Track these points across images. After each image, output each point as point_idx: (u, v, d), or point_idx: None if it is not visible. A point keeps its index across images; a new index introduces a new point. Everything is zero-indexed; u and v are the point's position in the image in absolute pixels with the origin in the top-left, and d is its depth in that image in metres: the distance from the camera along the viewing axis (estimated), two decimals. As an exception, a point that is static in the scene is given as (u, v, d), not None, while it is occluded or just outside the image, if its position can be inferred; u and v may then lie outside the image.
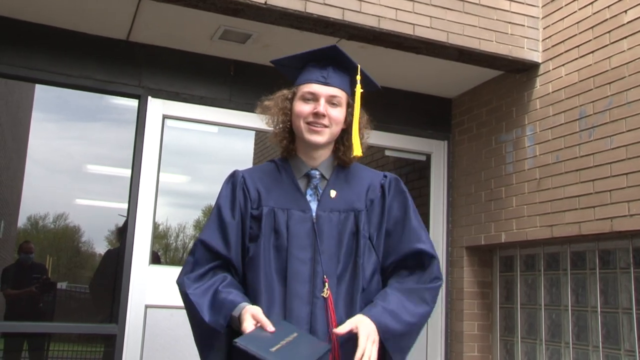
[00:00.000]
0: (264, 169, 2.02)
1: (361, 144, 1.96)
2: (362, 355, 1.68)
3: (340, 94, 1.95)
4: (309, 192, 1.95)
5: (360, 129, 1.96)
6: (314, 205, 1.92)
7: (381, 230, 1.96)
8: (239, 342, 1.60)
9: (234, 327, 1.78)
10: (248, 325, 1.69)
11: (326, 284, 1.82)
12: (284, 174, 1.97)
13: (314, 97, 1.93)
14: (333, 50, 1.96)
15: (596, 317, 3.62)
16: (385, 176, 2.03)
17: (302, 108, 1.93)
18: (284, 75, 2.06)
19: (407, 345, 1.89)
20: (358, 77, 1.97)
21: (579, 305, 3.77)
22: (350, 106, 1.98)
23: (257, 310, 1.73)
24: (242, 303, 1.77)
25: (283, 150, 2.01)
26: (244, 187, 1.94)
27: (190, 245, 4.31)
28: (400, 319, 1.82)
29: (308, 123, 1.91)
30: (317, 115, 1.90)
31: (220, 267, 1.90)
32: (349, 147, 1.97)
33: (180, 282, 1.89)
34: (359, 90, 1.96)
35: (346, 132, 1.98)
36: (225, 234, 1.90)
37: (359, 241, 1.90)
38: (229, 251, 1.89)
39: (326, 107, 1.91)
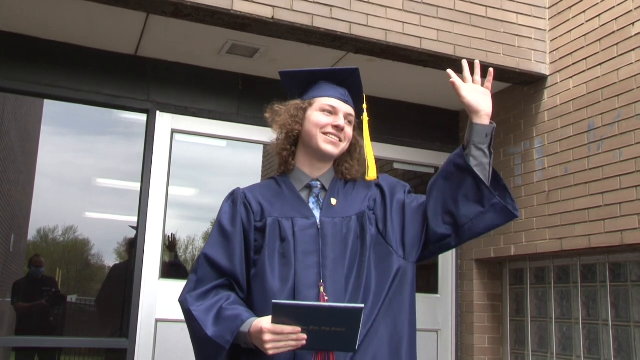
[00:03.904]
0: (263, 185, 2.07)
1: (360, 163, 2.06)
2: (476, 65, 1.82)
3: (353, 114, 2.04)
4: (312, 200, 1.98)
5: (361, 151, 2.07)
6: (317, 213, 1.95)
7: (389, 220, 1.95)
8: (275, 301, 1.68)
9: (242, 343, 1.78)
10: (268, 338, 1.68)
11: (321, 288, 1.83)
12: (284, 186, 2.01)
13: (333, 111, 1.99)
14: (352, 73, 2.04)
15: (607, 330, 3.59)
16: (377, 178, 2.08)
17: (321, 119, 1.98)
18: (285, 89, 2.09)
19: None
20: (364, 106, 2.06)
21: (590, 318, 3.74)
22: (355, 129, 2.06)
23: (271, 326, 1.69)
24: (250, 318, 1.77)
25: (281, 164, 2.04)
26: (245, 202, 1.96)
27: (200, 257, 4.32)
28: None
29: (325, 133, 1.97)
30: (337, 128, 1.97)
31: (223, 285, 1.90)
32: (353, 165, 2.05)
33: (182, 300, 1.89)
34: (365, 118, 2.06)
35: (349, 150, 2.06)
36: (228, 248, 1.91)
37: (364, 243, 1.91)
38: (232, 265, 1.89)
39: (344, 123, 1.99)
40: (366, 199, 2.00)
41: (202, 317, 1.80)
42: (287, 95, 2.08)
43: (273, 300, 1.68)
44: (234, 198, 1.99)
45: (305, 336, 1.68)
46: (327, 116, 1.98)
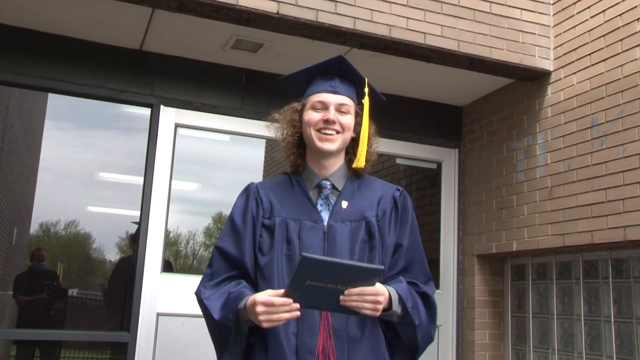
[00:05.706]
0: (277, 180, 2.07)
1: (369, 153, 2.01)
2: (356, 294, 1.68)
3: (348, 103, 2.00)
4: (320, 202, 1.98)
5: (369, 139, 2.01)
6: (325, 215, 1.95)
7: (389, 243, 1.97)
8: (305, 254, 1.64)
9: (242, 322, 1.80)
10: (260, 310, 1.69)
11: None
12: (296, 185, 2.01)
13: (323, 106, 1.98)
14: (339, 61, 2.01)
15: (609, 326, 3.59)
16: (398, 189, 2.06)
17: (312, 116, 1.97)
18: (292, 93, 2.09)
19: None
20: (366, 90, 2.02)
21: (592, 314, 3.74)
22: (358, 116, 2.03)
23: (263, 298, 1.70)
24: (248, 295, 1.79)
25: (291, 165, 2.05)
26: (257, 197, 1.99)
27: (201, 252, 4.34)
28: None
29: (318, 130, 1.96)
30: (327, 122, 1.95)
31: (236, 276, 1.94)
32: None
33: (197, 292, 1.95)
34: (367, 102, 2.01)
35: (356, 141, 2.03)
36: (239, 242, 1.95)
37: (373, 249, 1.93)
38: (243, 258, 1.93)
39: (336, 114, 1.96)
40: (378, 206, 1.98)
41: (211, 304, 1.85)
42: (295, 96, 2.09)
43: (303, 253, 1.64)
44: (248, 193, 2.02)
45: (297, 306, 1.68)
46: (318, 112, 1.97)
